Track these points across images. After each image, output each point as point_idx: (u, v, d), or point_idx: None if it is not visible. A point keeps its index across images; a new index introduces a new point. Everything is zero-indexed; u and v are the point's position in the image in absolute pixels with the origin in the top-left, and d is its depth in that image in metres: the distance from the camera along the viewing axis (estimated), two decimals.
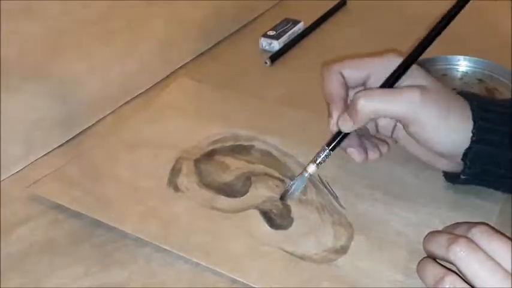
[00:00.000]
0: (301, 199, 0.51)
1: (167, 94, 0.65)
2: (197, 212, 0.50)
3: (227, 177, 0.54)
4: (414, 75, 0.48)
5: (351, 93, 0.50)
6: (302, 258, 0.46)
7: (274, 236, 0.48)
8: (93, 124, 0.61)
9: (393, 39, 0.74)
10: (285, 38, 0.74)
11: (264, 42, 0.74)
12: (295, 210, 0.50)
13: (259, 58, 0.72)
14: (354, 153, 0.50)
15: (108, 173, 0.55)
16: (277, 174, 0.54)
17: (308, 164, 0.49)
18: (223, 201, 0.51)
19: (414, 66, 0.49)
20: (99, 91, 0.63)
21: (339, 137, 0.49)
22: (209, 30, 0.75)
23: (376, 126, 0.52)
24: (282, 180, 0.53)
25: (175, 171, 0.55)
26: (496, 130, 0.47)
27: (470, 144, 0.47)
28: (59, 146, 0.59)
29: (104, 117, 0.62)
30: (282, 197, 0.51)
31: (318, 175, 0.53)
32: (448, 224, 0.46)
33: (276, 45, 0.74)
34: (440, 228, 0.46)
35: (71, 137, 0.59)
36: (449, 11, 0.49)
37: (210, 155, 0.56)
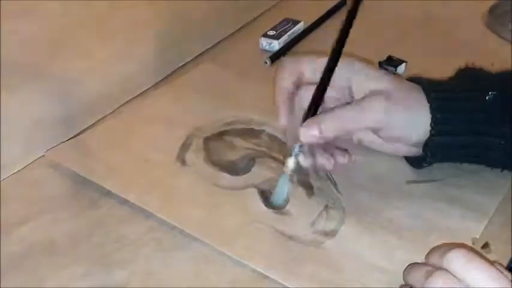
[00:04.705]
0: (300, 181, 0.52)
1: (189, 77, 0.67)
2: (199, 187, 0.52)
3: (232, 156, 0.56)
4: (369, 80, 0.49)
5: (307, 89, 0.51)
6: (291, 238, 0.47)
7: (268, 215, 0.49)
8: (93, 124, 0.61)
9: (393, 39, 0.74)
10: (285, 38, 0.74)
11: (264, 42, 0.74)
12: (292, 191, 0.51)
13: (259, 58, 0.72)
14: (324, 164, 0.50)
15: (122, 144, 0.57)
16: (281, 158, 0.55)
17: (286, 160, 0.49)
18: (225, 178, 0.53)
19: (366, 69, 0.50)
20: (99, 91, 0.63)
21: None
22: (209, 30, 0.75)
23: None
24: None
25: (185, 147, 0.57)
26: (454, 119, 0.49)
27: (429, 137, 0.49)
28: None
29: (104, 117, 0.63)
30: (270, 205, 0.50)
31: None
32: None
33: (276, 45, 0.73)
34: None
35: (71, 137, 0.59)
36: (347, 15, 0.51)
37: (220, 135, 0.58)
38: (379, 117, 0.48)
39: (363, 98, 0.49)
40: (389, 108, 0.48)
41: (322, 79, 0.49)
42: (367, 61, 0.52)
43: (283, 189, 0.50)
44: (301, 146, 0.49)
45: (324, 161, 0.50)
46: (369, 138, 0.52)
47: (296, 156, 0.49)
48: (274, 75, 0.52)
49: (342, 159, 0.51)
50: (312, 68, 0.51)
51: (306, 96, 0.50)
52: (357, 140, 0.54)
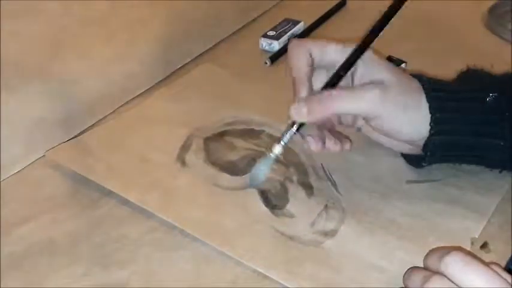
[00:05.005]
0: (300, 182, 0.53)
1: (189, 77, 0.68)
2: (199, 187, 0.52)
3: (233, 157, 0.56)
4: (373, 69, 0.49)
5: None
6: (291, 238, 0.47)
7: (268, 215, 0.49)
8: (93, 124, 0.61)
9: (393, 39, 0.74)
10: (285, 38, 0.74)
11: (264, 43, 0.74)
12: (293, 192, 0.51)
13: (259, 58, 0.72)
14: (311, 141, 0.50)
15: (122, 144, 0.57)
16: (281, 158, 0.55)
17: (274, 145, 0.49)
18: (226, 178, 0.53)
19: (373, 58, 0.49)
20: (99, 91, 0.63)
21: None
22: (209, 30, 0.75)
23: (339, 117, 0.53)
24: (286, 165, 0.54)
25: (185, 147, 0.57)
26: (453, 119, 0.49)
27: (429, 137, 0.49)
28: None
29: (104, 117, 0.63)
30: (251, 183, 0.51)
31: (321, 164, 0.54)
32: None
33: (276, 45, 0.73)
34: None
35: (71, 137, 0.59)
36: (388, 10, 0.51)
37: (220, 135, 0.58)
38: (370, 107, 0.48)
39: (360, 86, 0.49)
40: (384, 101, 0.47)
41: (341, 67, 0.49)
42: (377, 52, 0.51)
43: (261, 171, 0.50)
44: (292, 135, 0.49)
45: (310, 139, 0.50)
46: (368, 128, 0.52)
47: (285, 144, 0.49)
48: (286, 58, 0.51)
49: (334, 146, 0.51)
50: (319, 51, 0.50)
51: (317, 81, 0.50)
52: (356, 127, 0.54)
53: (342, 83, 0.50)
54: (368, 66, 0.49)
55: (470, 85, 0.51)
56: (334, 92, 0.48)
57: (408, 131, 0.49)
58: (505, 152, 0.49)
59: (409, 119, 0.49)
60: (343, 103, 0.48)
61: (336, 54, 0.50)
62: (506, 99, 0.49)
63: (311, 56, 0.50)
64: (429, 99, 0.49)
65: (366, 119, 0.50)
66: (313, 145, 0.50)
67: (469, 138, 0.49)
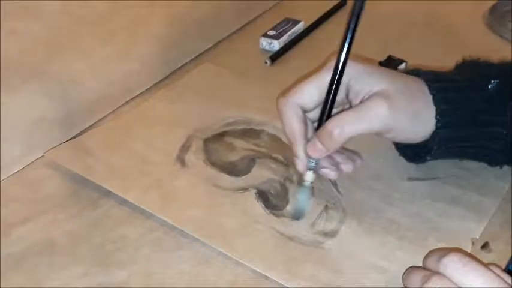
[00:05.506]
0: (300, 181, 0.52)
1: (189, 77, 0.68)
2: (198, 188, 0.52)
3: (233, 157, 0.56)
4: (370, 81, 0.46)
5: (310, 115, 0.48)
6: (291, 238, 0.47)
7: (268, 216, 0.50)
8: (93, 124, 0.61)
9: (393, 39, 0.74)
10: (285, 38, 0.74)
11: (264, 42, 0.74)
12: (293, 192, 0.51)
13: (259, 58, 0.72)
14: (327, 173, 0.49)
15: (122, 145, 0.57)
16: (281, 158, 0.55)
17: (305, 174, 0.48)
18: (225, 179, 0.53)
19: (365, 71, 0.46)
20: (99, 91, 0.63)
21: None
22: (209, 30, 0.75)
23: None
24: (286, 165, 0.55)
25: (184, 148, 0.57)
26: (458, 109, 0.47)
27: (436, 130, 0.47)
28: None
29: (104, 117, 0.63)
30: (295, 217, 0.50)
31: None
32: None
33: (276, 45, 0.73)
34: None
35: (71, 137, 0.59)
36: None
37: (220, 135, 0.58)
38: (382, 122, 0.45)
39: (363, 103, 0.46)
40: (394, 112, 0.45)
41: (325, 100, 0.47)
42: (367, 60, 0.50)
43: (305, 203, 0.49)
44: (317, 161, 0.48)
45: (327, 171, 0.49)
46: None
47: (313, 168, 0.48)
48: (280, 117, 0.48)
49: (347, 167, 0.49)
50: (309, 97, 0.47)
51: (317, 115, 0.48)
52: None
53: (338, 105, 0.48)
54: (362, 81, 0.46)
55: (470, 74, 0.49)
56: (340, 119, 0.45)
57: (422, 134, 0.48)
58: (506, 142, 0.48)
59: (422, 124, 0.47)
60: (354, 126, 0.45)
61: (325, 85, 0.47)
62: (508, 85, 0.47)
63: (302, 110, 0.48)
64: (433, 91, 0.47)
65: (380, 134, 0.47)
66: (332, 175, 0.49)
67: (471, 128, 0.48)
